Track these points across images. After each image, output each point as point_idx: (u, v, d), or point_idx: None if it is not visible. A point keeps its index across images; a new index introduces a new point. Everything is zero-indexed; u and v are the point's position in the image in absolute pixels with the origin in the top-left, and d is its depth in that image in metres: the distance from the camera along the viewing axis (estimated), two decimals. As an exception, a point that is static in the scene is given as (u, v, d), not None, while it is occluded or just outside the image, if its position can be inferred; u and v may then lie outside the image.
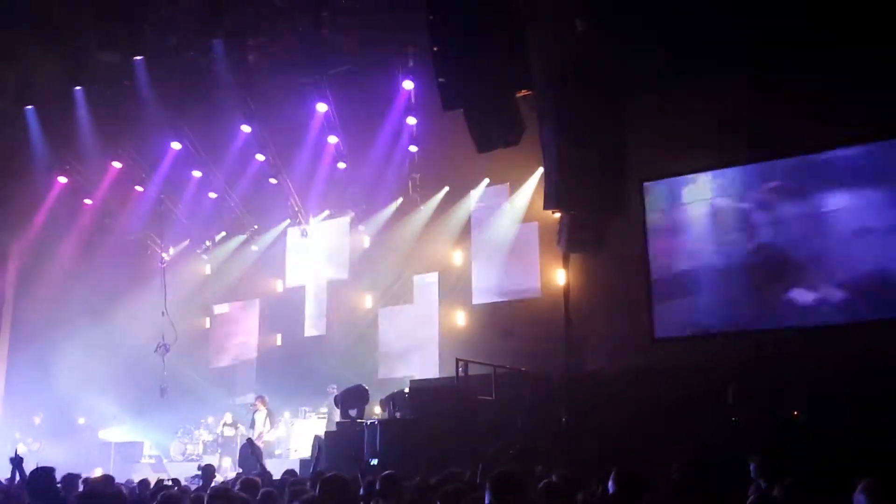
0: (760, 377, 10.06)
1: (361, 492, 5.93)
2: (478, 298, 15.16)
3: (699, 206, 12.83)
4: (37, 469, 6.93)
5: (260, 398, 15.03)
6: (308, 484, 6.42)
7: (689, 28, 10.89)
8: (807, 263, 11.78)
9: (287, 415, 15.75)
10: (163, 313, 14.71)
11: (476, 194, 15.38)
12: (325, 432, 12.83)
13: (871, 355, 9.81)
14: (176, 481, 9.30)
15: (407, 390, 12.26)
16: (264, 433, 14.38)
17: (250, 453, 12.29)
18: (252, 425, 14.70)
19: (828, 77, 11.36)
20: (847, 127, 11.31)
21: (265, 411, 14.71)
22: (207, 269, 18.87)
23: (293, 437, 15.37)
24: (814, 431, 8.49)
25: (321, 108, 14.67)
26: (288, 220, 17.81)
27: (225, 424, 15.81)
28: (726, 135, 12.15)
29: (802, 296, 11.76)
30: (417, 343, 15.83)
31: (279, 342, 17.91)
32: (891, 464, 6.07)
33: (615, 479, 4.54)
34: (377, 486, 5.45)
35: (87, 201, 17.76)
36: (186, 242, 18.87)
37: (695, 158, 12.67)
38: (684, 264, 12.78)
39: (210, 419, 16.62)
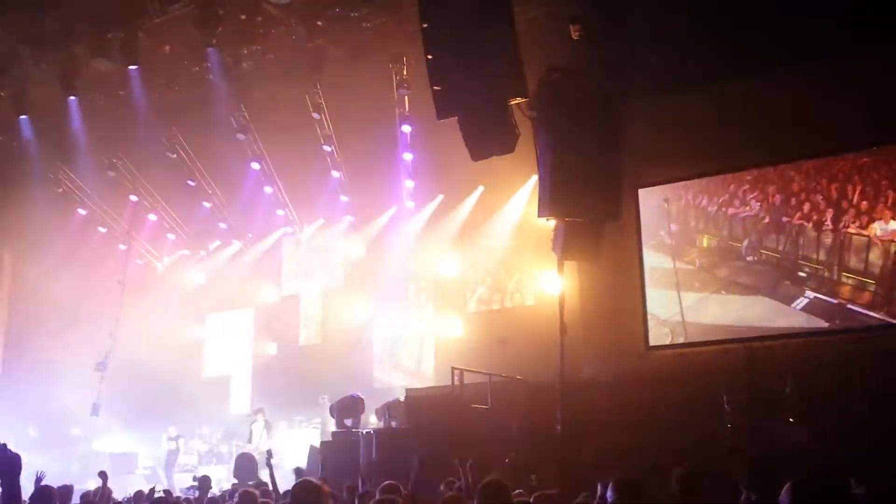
0: (754, 384, 10.05)
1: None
2: (473, 306, 15.13)
3: (693, 212, 12.85)
4: (38, 489, 6.89)
5: (259, 410, 14.98)
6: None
7: (683, 35, 10.92)
8: (801, 270, 11.81)
9: (283, 425, 15.68)
10: (110, 334, 15.00)
11: (471, 202, 15.39)
12: (321, 442, 12.78)
13: (865, 361, 9.82)
14: (168, 492, 9.24)
15: (402, 399, 12.22)
16: (261, 444, 14.29)
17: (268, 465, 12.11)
18: (250, 438, 14.63)
19: (821, 86, 11.40)
20: (841, 134, 11.35)
21: (262, 422, 14.66)
22: (202, 278, 18.81)
23: (289, 447, 15.27)
24: (808, 437, 8.49)
25: (316, 116, 14.66)
26: (283, 229, 17.78)
27: (168, 438, 15.67)
28: (721, 141, 12.17)
29: (797, 302, 11.77)
30: (413, 351, 15.79)
31: (274, 351, 17.85)
32: (883, 469, 6.06)
33: (614, 488, 4.48)
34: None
35: (82, 211, 17.73)
36: (181, 252, 18.81)
37: (689, 165, 12.69)
38: (677, 271, 12.78)
39: (205, 429, 16.52)
